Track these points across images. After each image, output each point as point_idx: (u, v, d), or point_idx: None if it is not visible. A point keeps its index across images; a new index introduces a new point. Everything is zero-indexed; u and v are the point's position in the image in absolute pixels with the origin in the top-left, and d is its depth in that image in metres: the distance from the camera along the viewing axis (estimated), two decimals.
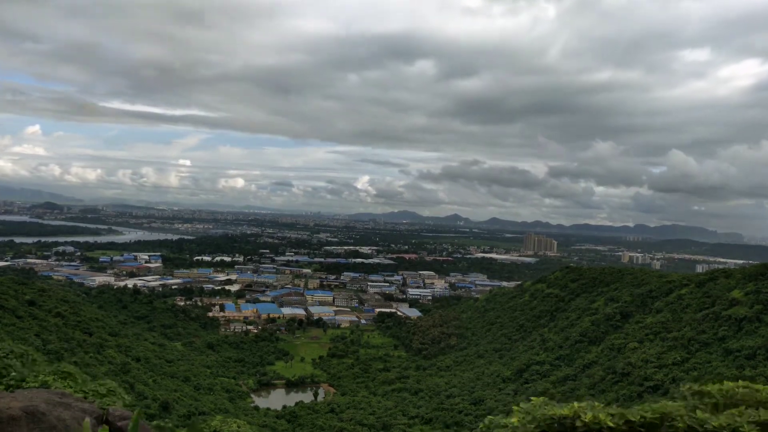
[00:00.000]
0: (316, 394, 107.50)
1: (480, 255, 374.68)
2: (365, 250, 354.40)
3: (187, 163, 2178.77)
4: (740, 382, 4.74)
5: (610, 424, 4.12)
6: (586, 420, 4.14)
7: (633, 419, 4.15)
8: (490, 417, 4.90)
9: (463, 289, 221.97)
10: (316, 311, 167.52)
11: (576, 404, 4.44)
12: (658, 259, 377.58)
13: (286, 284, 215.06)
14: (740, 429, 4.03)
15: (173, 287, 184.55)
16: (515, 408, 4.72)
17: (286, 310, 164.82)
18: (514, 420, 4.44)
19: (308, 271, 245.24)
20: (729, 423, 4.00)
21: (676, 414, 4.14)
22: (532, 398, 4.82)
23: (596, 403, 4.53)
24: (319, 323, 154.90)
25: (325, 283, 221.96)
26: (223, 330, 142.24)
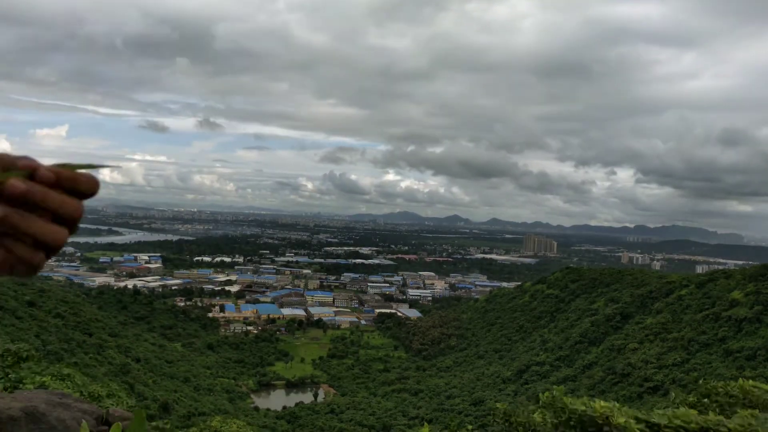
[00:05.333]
0: (316, 395, 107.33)
1: (480, 256, 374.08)
2: (365, 250, 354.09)
3: (188, 161, 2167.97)
4: (750, 382, 4.64)
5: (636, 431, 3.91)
6: (616, 423, 3.94)
7: (659, 422, 3.98)
8: (502, 404, 4.76)
9: (463, 290, 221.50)
10: (316, 312, 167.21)
11: (601, 402, 4.27)
12: (657, 260, 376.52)
13: (286, 285, 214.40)
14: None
15: (173, 288, 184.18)
16: (541, 396, 4.56)
17: (286, 311, 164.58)
18: (536, 416, 4.30)
19: (308, 271, 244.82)
20: (744, 425, 3.85)
21: (694, 419, 3.96)
22: (554, 387, 4.66)
23: (616, 404, 4.39)
24: (319, 324, 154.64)
25: (325, 283, 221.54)
26: (223, 331, 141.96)
